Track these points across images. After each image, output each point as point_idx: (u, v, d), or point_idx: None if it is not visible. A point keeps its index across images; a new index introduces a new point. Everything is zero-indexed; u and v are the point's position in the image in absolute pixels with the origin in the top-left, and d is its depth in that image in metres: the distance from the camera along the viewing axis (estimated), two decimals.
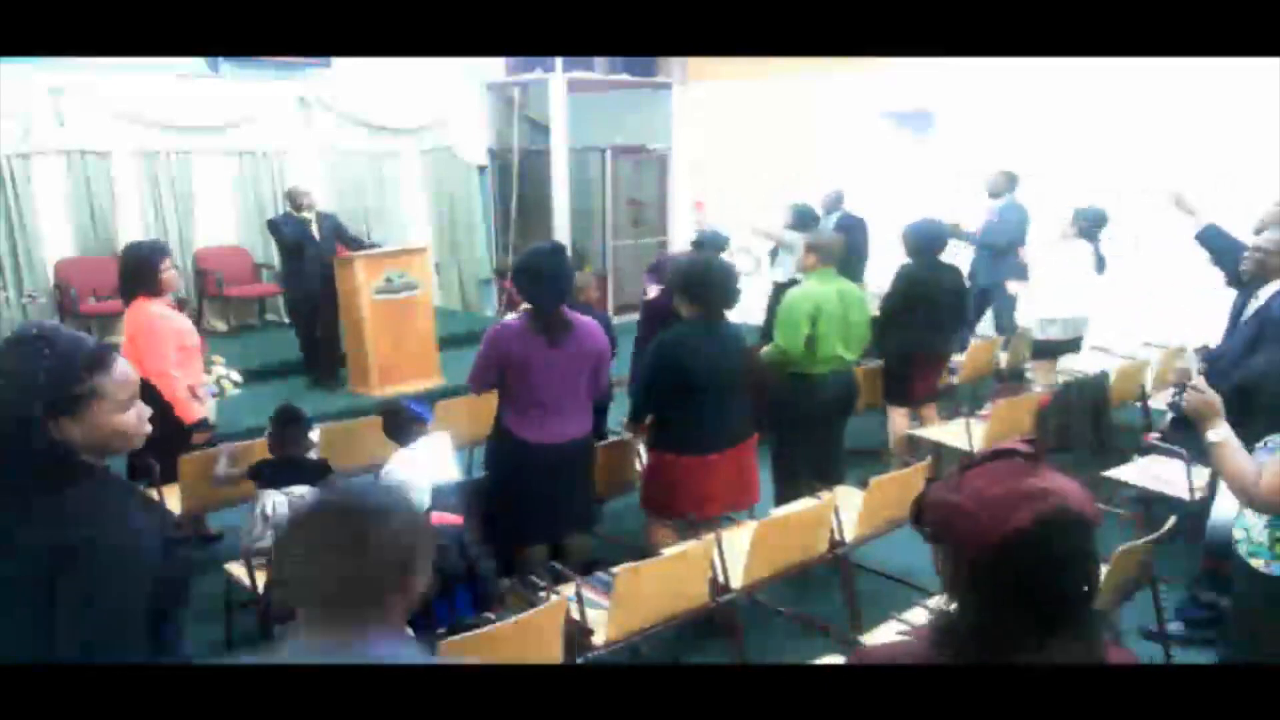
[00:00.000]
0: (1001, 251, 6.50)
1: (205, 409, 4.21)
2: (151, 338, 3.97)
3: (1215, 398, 2.29)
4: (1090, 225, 5.54)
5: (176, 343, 4.03)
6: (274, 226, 6.59)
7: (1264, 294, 3.55)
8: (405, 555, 1.26)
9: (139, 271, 4.05)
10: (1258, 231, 4.41)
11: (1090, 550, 1.22)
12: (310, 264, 6.39)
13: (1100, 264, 5.55)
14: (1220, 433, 2.27)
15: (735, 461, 3.69)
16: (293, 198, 6.53)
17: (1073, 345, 5.72)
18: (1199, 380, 2.36)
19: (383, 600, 1.25)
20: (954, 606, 1.27)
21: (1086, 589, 1.21)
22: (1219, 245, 4.34)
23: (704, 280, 3.59)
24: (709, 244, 5.60)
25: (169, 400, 3.98)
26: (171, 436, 3.98)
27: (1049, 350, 5.70)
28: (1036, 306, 5.66)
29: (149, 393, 3.97)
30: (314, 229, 6.42)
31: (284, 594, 1.32)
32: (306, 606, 1.26)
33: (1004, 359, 6.11)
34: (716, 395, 3.55)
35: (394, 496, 1.34)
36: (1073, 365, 5.58)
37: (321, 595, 1.24)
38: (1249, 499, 2.26)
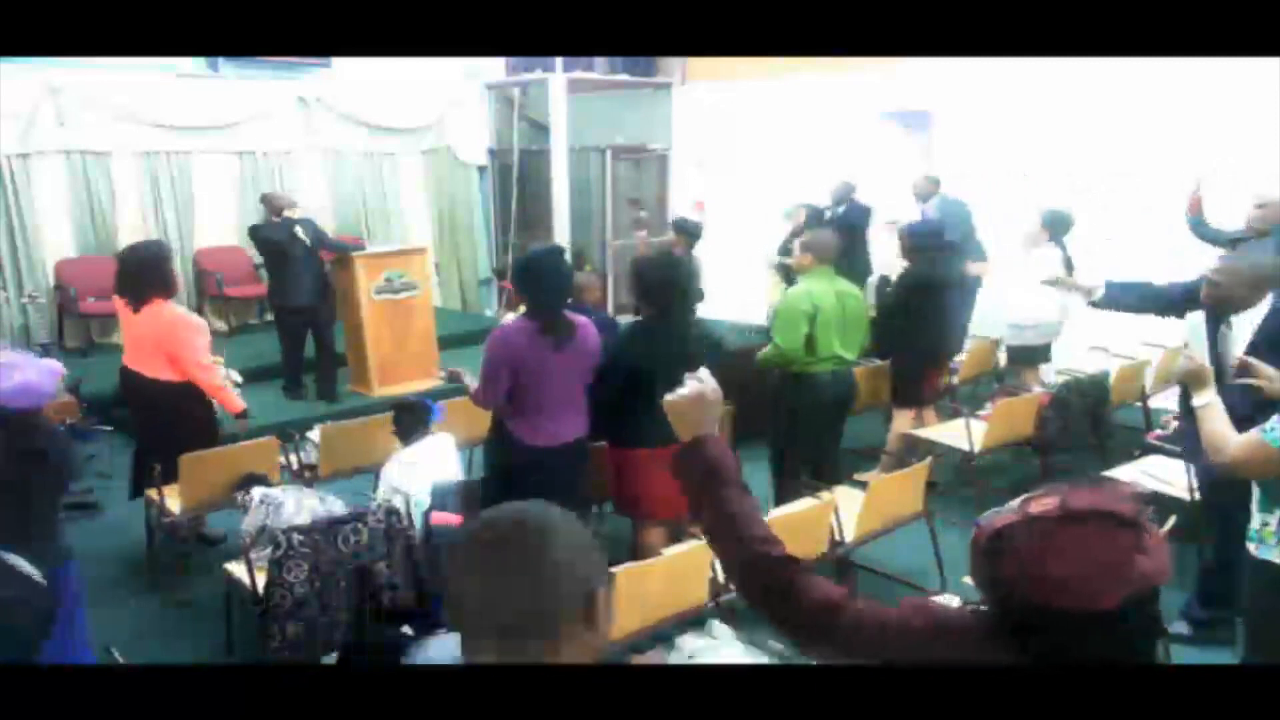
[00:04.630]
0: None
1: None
2: (185, 334, 4.05)
3: (1206, 366, 2.46)
4: (1057, 228, 5.39)
5: (203, 339, 4.13)
6: (255, 233, 6.11)
7: (1239, 325, 3.23)
8: (583, 584, 1.12)
9: (155, 272, 4.08)
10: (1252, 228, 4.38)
11: (1157, 618, 1.19)
12: (301, 272, 6.00)
13: (1069, 266, 5.36)
14: (1206, 398, 2.44)
15: None
16: (271, 202, 6.10)
17: (1044, 352, 5.64)
18: (1192, 348, 2.55)
19: (559, 632, 1.10)
20: (988, 619, 1.24)
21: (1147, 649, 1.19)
22: (1126, 299, 3.89)
23: (658, 281, 3.59)
24: (689, 230, 5.66)
25: (212, 393, 4.10)
26: (196, 434, 4.06)
27: (1023, 357, 5.65)
28: (1008, 312, 5.59)
29: (179, 393, 4.05)
30: (299, 231, 5.97)
31: (455, 622, 1.13)
32: (476, 638, 1.11)
33: (1003, 359, 6.11)
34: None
35: (565, 517, 1.18)
36: (1071, 366, 5.58)
37: (496, 626, 1.09)
38: (1220, 460, 2.41)
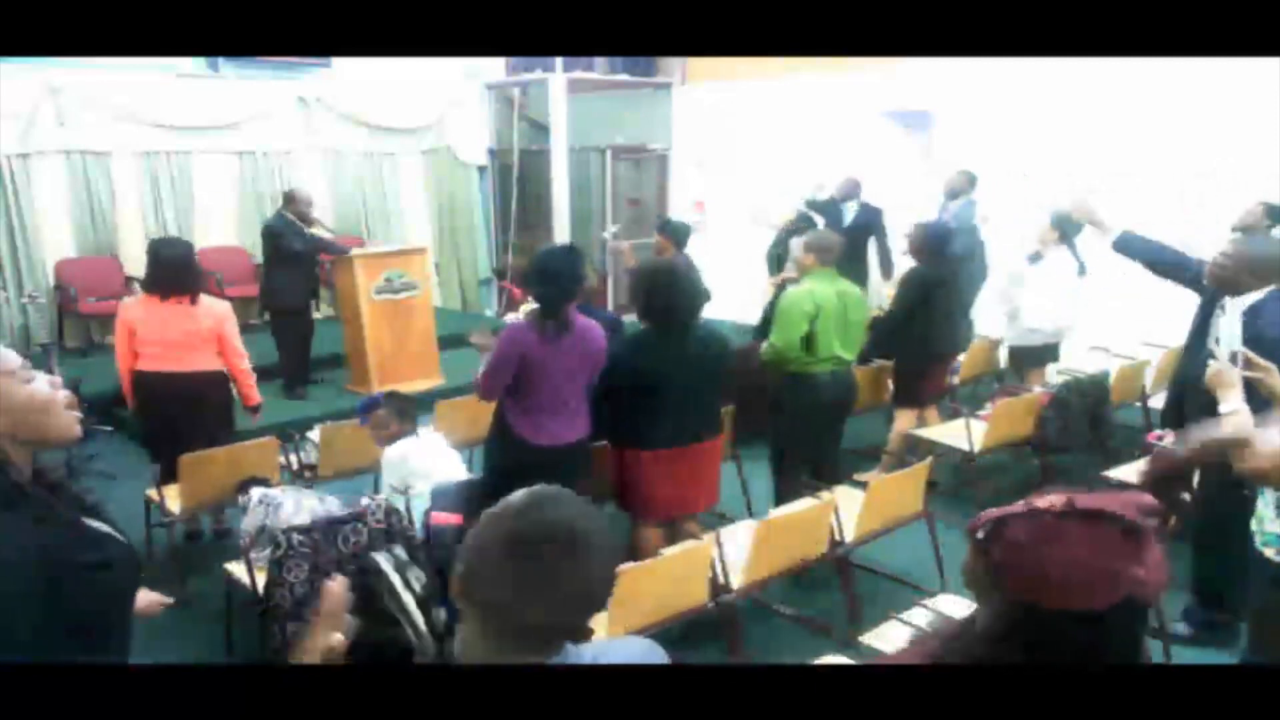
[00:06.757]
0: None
1: None
2: (232, 320, 4.24)
3: (1236, 374, 2.34)
4: (1069, 229, 5.35)
5: None
6: (274, 235, 6.07)
7: (1233, 308, 3.24)
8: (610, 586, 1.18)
9: (197, 268, 4.29)
10: (1236, 229, 4.38)
11: (1144, 632, 1.20)
12: (304, 277, 6.23)
13: (1081, 268, 5.38)
14: (1233, 404, 2.32)
15: (695, 459, 3.63)
16: (299, 204, 6.13)
17: (1053, 352, 5.63)
18: (1245, 350, 2.38)
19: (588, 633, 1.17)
20: (978, 620, 1.23)
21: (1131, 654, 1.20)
22: (1141, 251, 3.97)
23: (659, 292, 3.58)
24: (674, 231, 5.61)
25: (246, 378, 4.30)
26: (227, 423, 4.32)
27: (1033, 358, 5.64)
28: (1018, 313, 5.58)
29: (220, 382, 4.20)
30: (319, 244, 6.25)
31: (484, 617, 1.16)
32: (501, 637, 1.16)
33: (1004, 359, 6.11)
34: (674, 395, 3.51)
35: (598, 516, 1.21)
36: (1071, 366, 5.57)
37: (529, 627, 1.14)
38: (1250, 468, 2.26)
